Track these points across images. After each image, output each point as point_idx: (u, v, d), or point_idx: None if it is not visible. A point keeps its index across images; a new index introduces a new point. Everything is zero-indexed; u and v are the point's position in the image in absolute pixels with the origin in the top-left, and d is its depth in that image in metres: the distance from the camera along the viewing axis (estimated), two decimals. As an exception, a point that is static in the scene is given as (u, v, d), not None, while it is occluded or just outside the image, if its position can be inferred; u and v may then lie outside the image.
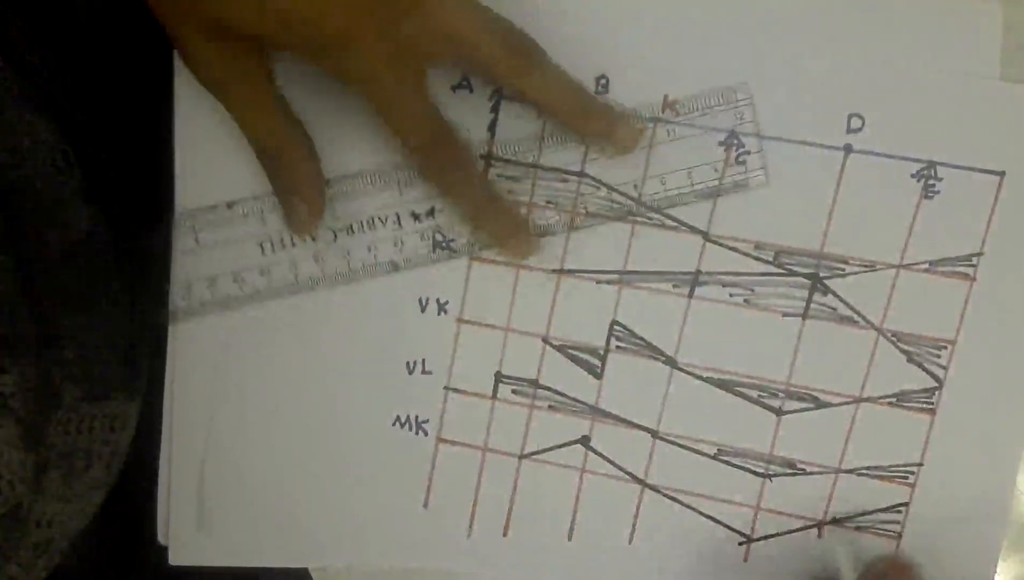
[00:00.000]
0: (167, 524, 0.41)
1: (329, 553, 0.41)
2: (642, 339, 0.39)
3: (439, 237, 0.39)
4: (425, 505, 0.41)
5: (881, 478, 0.39)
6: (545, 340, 0.40)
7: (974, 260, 0.38)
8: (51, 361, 0.37)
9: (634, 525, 0.40)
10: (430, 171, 0.37)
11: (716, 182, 0.38)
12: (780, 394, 0.39)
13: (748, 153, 0.38)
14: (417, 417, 0.40)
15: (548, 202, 0.39)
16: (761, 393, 0.39)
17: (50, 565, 0.39)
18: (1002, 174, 0.37)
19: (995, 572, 0.39)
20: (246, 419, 0.40)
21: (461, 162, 0.37)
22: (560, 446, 0.40)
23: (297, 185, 0.37)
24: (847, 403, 0.39)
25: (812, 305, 0.38)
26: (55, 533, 0.38)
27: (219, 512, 0.41)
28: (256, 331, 0.40)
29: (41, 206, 0.37)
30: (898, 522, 0.39)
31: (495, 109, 0.38)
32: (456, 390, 0.40)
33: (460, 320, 0.40)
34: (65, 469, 0.37)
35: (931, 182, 0.37)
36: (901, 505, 0.39)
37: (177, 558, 0.41)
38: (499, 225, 0.38)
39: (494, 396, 0.40)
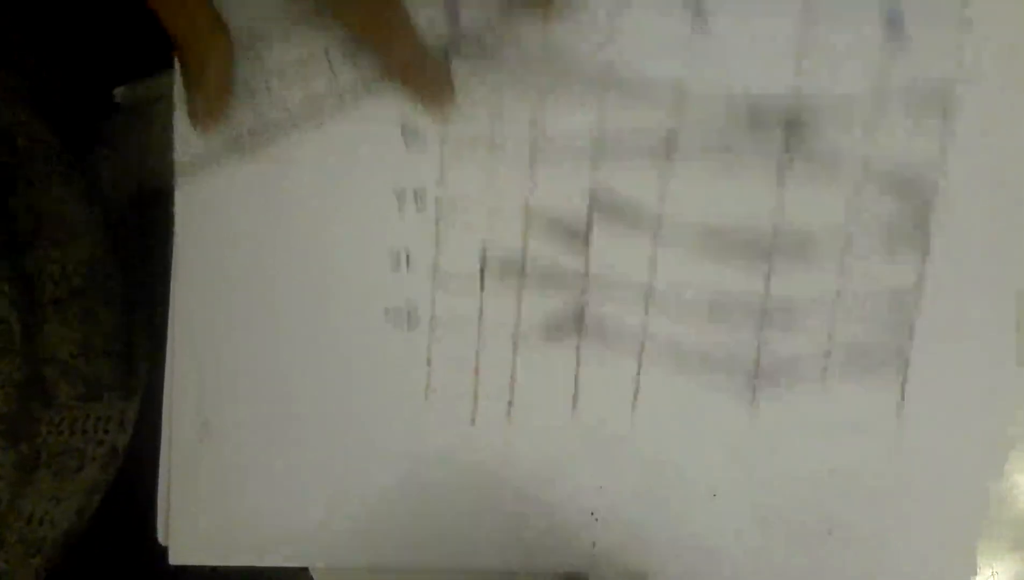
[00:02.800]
0: (167, 524, 0.41)
1: (329, 552, 0.40)
2: (625, 203, 0.39)
3: (408, 126, 0.39)
4: (426, 397, 0.40)
5: (880, 314, 0.39)
6: (527, 215, 0.39)
7: (949, 87, 0.37)
8: (44, 360, 0.36)
9: (636, 392, 0.40)
10: (347, 17, 0.35)
11: (683, 39, 0.38)
12: (768, 243, 0.39)
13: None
14: (407, 309, 0.40)
15: (517, 72, 0.38)
16: (749, 245, 0.39)
17: (46, 564, 0.38)
18: (965, -4, 0.37)
19: (1011, 390, 0.39)
20: (241, 407, 0.40)
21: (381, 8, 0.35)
22: (554, 320, 0.40)
23: (204, 84, 0.36)
24: (837, 244, 0.39)
25: (791, 150, 0.38)
26: (47, 532, 0.38)
27: (219, 510, 0.41)
28: (245, 253, 0.40)
29: (38, 206, 0.37)
30: (904, 355, 0.39)
31: None
32: (443, 277, 0.40)
33: (439, 205, 0.39)
34: (56, 468, 0.37)
35: (897, 10, 0.37)
36: (904, 339, 0.39)
37: (177, 558, 0.41)
38: (425, 80, 0.37)
39: (482, 278, 0.40)
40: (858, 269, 0.39)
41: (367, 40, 0.35)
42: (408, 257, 0.40)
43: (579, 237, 0.39)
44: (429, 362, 0.40)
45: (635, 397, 0.40)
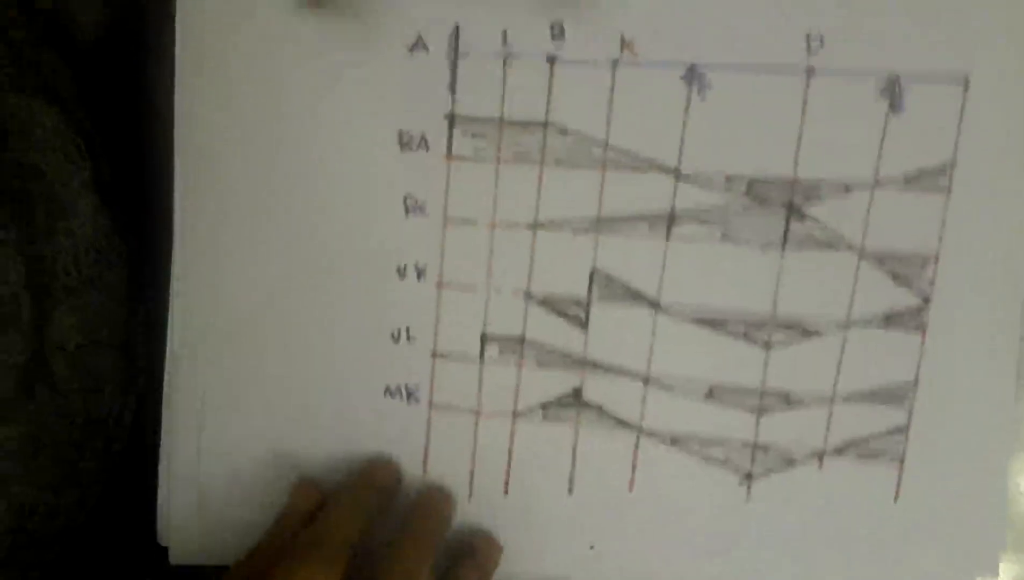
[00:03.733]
0: (167, 524, 0.41)
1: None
2: (624, 285, 0.39)
3: (411, 202, 0.39)
4: (424, 472, 0.40)
5: (877, 402, 0.39)
6: (527, 295, 0.39)
7: (947, 170, 0.37)
8: (52, 347, 0.37)
9: (633, 473, 0.40)
10: None
11: (681, 118, 0.38)
12: (767, 327, 0.39)
13: (710, 86, 0.37)
14: (407, 386, 0.40)
15: (516, 156, 0.38)
16: (748, 328, 0.39)
17: (39, 559, 0.38)
18: (966, 80, 0.37)
19: (1006, 484, 0.39)
20: (239, 406, 0.40)
21: None
22: (552, 401, 0.40)
23: None
24: (835, 330, 0.38)
25: (790, 233, 0.38)
26: (43, 525, 0.38)
27: (218, 510, 0.41)
28: (246, 313, 0.40)
29: (50, 194, 0.37)
30: (900, 445, 0.39)
31: (453, 68, 0.38)
32: (443, 355, 0.40)
33: (440, 284, 0.40)
34: (57, 457, 0.38)
35: (897, 96, 0.37)
36: (901, 427, 0.39)
37: (177, 558, 0.41)
38: None
39: (481, 357, 0.40)
40: (856, 356, 0.38)
41: None
42: (408, 334, 0.40)
43: (578, 318, 0.39)
44: (427, 438, 0.40)
45: (632, 478, 0.40)
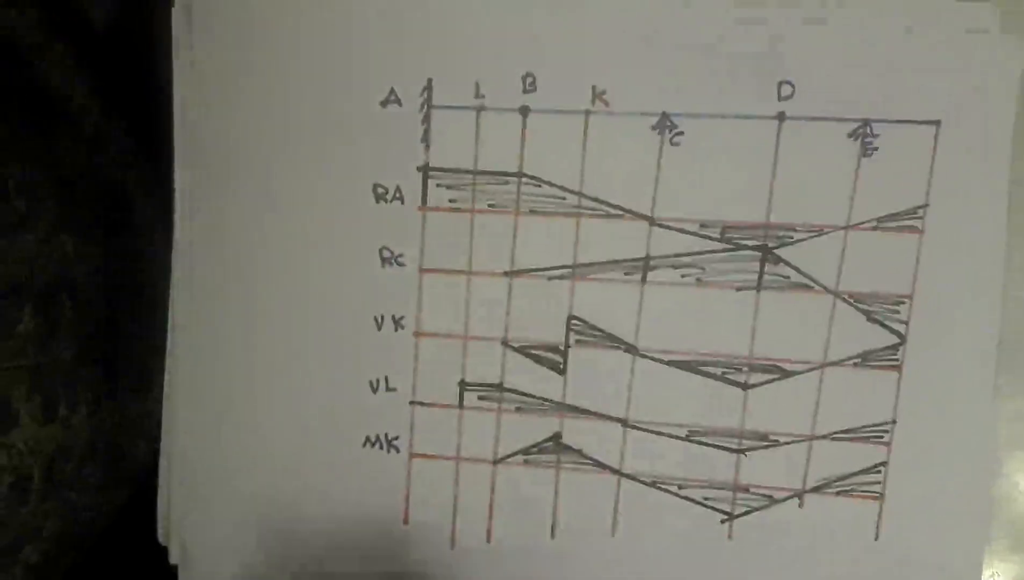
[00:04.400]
0: (167, 524, 0.41)
1: (319, 563, 0.41)
2: (600, 330, 0.39)
3: (386, 253, 0.39)
4: (405, 522, 0.40)
5: (855, 440, 0.39)
6: (505, 343, 0.39)
7: (920, 212, 0.37)
8: (120, 353, 0.38)
9: (615, 516, 0.40)
10: None
11: (654, 166, 0.38)
12: (744, 368, 0.39)
13: (682, 133, 0.37)
14: (387, 435, 0.40)
15: (491, 205, 0.39)
16: (725, 370, 0.39)
17: (74, 561, 0.39)
18: (938, 123, 0.37)
19: (988, 521, 0.39)
20: (238, 406, 0.41)
21: None
22: (532, 446, 0.40)
23: None
24: (812, 370, 0.39)
25: (765, 276, 0.38)
26: (84, 529, 0.38)
27: (218, 510, 0.41)
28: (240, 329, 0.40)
29: (106, 195, 0.38)
30: (879, 482, 0.39)
31: (426, 120, 0.38)
32: (422, 403, 0.40)
33: (418, 334, 0.40)
34: (108, 458, 0.38)
35: (868, 140, 0.37)
36: (880, 465, 0.39)
37: (177, 558, 0.41)
38: None
39: (460, 405, 0.40)
40: (833, 395, 0.39)
41: None
42: (387, 383, 0.40)
43: (556, 364, 0.39)
44: (408, 487, 0.40)
45: (614, 520, 0.40)
